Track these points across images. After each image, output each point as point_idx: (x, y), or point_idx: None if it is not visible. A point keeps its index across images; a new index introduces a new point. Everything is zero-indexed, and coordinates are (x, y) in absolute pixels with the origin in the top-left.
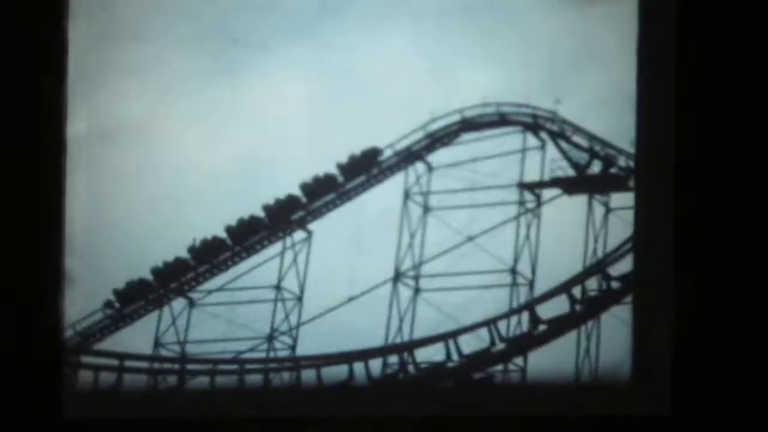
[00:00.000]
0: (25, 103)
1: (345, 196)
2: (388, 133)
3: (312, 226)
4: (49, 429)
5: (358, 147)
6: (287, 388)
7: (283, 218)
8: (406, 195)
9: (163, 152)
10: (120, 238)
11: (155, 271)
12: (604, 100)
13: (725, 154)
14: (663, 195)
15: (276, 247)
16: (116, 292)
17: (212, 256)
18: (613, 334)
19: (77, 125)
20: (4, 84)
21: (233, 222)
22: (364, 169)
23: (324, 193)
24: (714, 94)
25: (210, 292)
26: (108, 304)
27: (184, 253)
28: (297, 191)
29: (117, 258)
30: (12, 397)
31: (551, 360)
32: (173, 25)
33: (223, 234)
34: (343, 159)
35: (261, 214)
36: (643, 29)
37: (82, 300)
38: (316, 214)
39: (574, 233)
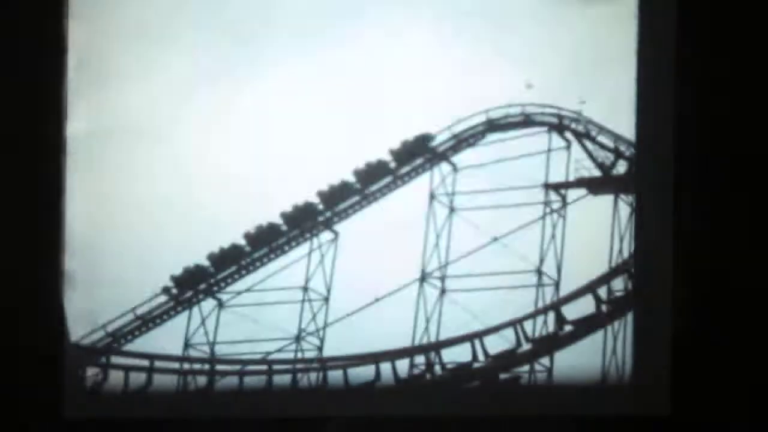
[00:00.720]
0: (25, 103)
1: (372, 197)
2: (412, 135)
3: (338, 227)
4: (49, 429)
5: (381, 148)
6: (307, 388)
7: (338, 202)
8: (432, 196)
9: (164, 152)
10: (120, 238)
11: (211, 257)
12: (605, 100)
13: (725, 155)
14: (663, 195)
15: (303, 249)
16: (174, 278)
17: (267, 241)
18: (613, 335)
19: (77, 125)
20: (4, 84)
21: (232, 222)
22: (417, 154)
23: (377, 178)
24: (714, 94)
25: (239, 293)
26: (165, 290)
27: (185, 253)
28: (299, 196)
29: (117, 258)
30: (12, 397)
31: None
32: (174, 24)
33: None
34: (367, 159)
35: (275, 218)
36: (643, 29)
37: (82, 300)
38: (342, 215)
39: (600, 233)
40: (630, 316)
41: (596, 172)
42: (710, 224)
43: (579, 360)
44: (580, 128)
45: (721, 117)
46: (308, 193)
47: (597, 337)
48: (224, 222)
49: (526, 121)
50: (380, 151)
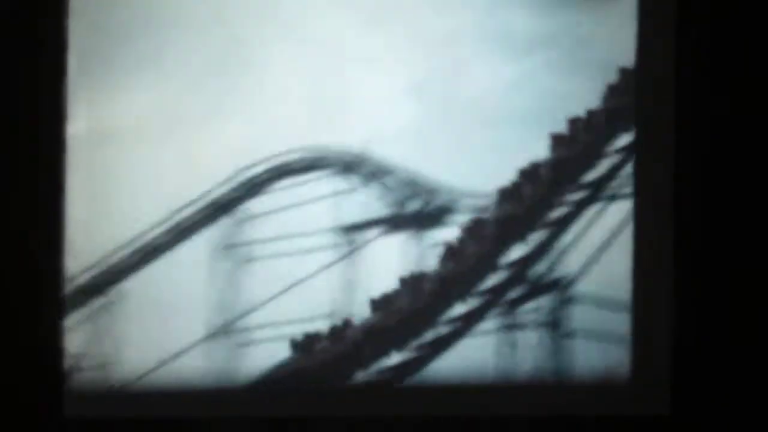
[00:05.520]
0: (25, 103)
1: (151, 255)
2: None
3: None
4: (49, 428)
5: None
6: (287, 388)
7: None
8: (217, 248)
9: (164, 152)
10: (120, 239)
11: None
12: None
13: (725, 154)
14: (663, 195)
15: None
16: None
17: None
18: (613, 334)
19: (77, 125)
20: (4, 83)
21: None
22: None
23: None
24: (714, 93)
25: None
26: None
27: None
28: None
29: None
30: (12, 396)
31: (548, 360)
32: (174, 25)
33: None
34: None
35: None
36: (643, 29)
37: (82, 300)
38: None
39: (401, 271)
40: (630, 316)
41: (391, 212)
42: (711, 224)
43: (579, 360)
44: (369, 169)
45: (721, 117)
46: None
47: (597, 336)
48: None
49: (312, 165)
50: None
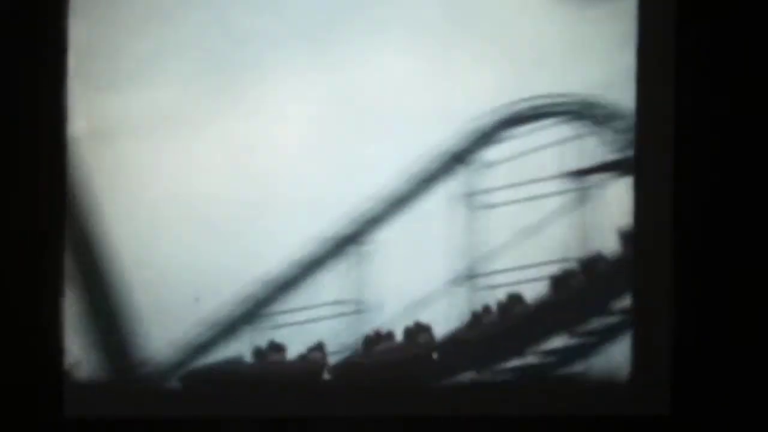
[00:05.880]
0: (25, 103)
1: (397, 205)
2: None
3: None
4: (49, 428)
5: (363, 154)
6: (286, 387)
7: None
8: (457, 197)
9: (164, 152)
10: (120, 238)
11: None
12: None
13: (726, 154)
14: (663, 195)
15: (337, 263)
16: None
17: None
18: (613, 334)
19: (77, 125)
20: (4, 83)
21: (236, 222)
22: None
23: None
24: (715, 93)
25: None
26: None
27: (184, 253)
28: (304, 195)
29: (117, 258)
30: (12, 396)
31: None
32: (174, 25)
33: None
34: (352, 166)
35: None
36: (643, 29)
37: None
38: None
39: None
40: (631, 316)
41: (614, 157)
42: (711, 224)
43: (579, 360)
44: (599, 113)
45: (721, 117)
46: (318, 192)
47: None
48: (226, 222)
49: (542, 112)
50: (381, 158)
